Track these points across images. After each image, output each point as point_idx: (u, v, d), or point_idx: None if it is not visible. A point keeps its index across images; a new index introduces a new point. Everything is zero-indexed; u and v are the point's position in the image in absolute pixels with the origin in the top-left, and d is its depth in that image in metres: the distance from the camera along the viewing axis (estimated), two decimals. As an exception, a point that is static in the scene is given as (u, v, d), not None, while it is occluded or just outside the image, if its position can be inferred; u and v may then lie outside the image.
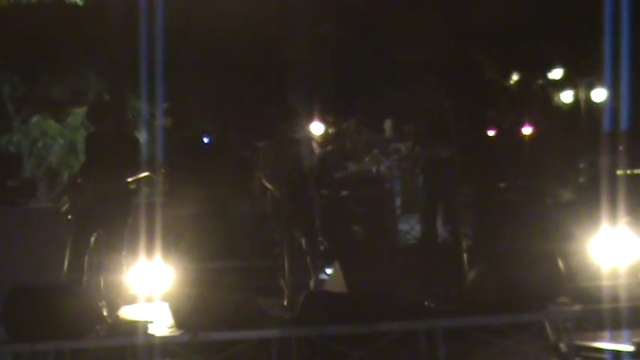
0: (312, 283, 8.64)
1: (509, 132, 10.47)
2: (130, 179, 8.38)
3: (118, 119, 9.47)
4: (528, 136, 10.88)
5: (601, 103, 15.18)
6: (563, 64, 17.00)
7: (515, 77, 16.45)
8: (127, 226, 8.33)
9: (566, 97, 17.45)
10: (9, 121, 14.65)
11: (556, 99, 17.36)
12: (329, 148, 11.41)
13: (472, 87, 9.69)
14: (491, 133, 10.67)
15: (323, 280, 8.82)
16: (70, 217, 8.54)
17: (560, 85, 17.45)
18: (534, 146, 10.82)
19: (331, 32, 13.94)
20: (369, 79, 13.97)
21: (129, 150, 8.55)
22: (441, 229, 9.19)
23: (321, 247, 9.51)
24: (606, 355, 6.84)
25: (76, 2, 12.45)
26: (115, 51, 12.56)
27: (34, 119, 14.63)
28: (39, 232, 10.56)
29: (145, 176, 8.86)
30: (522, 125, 11.11)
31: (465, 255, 8.21)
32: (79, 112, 14.24)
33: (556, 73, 17.32)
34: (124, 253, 8.34)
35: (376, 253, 8.67)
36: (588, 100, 16.59)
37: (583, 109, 16.50)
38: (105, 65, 13.24)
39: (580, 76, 16.71)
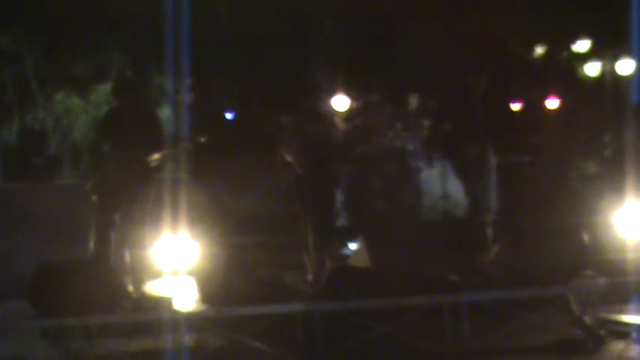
0: (334, 259, 8.68)
1: (534, 105, 10.38)
2: (152, 156, 8.44)
3: (141, 96, 9.54)
4: (553, 109, 10.81)
5: (627, 75, 15.01)
6: (588, 36, 16.83)
7: (539, 50, 16.29)
8: (149, 202, 8.39)
9: (592, 69, 17.27)
10: (33, 98, 14.70)
11: (580, 71, 17.20)
12: (352, 123, 11.38)
13: (496, 59, 9.60)
14: (516, 106, 10.59)
15: (347, 255, 8.85)
16: (94, 195, 8.59)
17: (585, 57, 17.27)
18: (559, 119, 10.77)
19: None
20: (393, 52, 13.89)
21: (150, 126, 8.61)
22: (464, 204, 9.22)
23: (345, 223, 9.55)
24: (632, 328, 6.82)
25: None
26: (139, 27, 12.57)
27: (58, 96, 14.67)
28: (64, 208, 10.63)
29: (167, 152, 8.92)
30: (547, 98, 11.03)
31: (489, 229, 8.21)
32: (103, 89, 14.28)
33: (582, 45, 17.13)
34: (147, 228, 8.41)
35: (400, 229, 8.67)
36: (613, 72, 16.42)
37: (608, 81, 16.34)
38: (128, 41, 13.24)
39: (606, 48, 16.53)
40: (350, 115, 11.48)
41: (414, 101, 12.86)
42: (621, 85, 14.54)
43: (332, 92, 11.53)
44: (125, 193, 8.34)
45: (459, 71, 10.29)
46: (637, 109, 10.70)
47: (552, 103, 10.92)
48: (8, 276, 8.48)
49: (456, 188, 10.19)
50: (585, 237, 7.51)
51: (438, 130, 9.63)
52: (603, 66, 16.90)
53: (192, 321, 7.17)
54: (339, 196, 9.87)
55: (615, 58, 16.09)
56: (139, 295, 7.84)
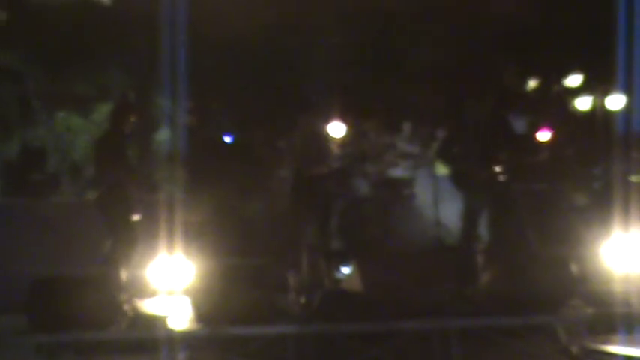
0: (328, 282, 8.69)
1: (527, 137, 10.44)
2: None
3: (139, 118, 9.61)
4: (545, 141, 10.87)
5: (616, 109, 15.08)
6: (580, 70, 16.92)
7: (533, 83, 16.37)
8: (146, 221, 8.43)
9: (583, 103, 17.36)
10: (34, 116, 14.73)
11: (572, 105, 17.28)
12: (347, 149, 11.41)
13: (491, 92, 9.65)
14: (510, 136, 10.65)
15: (339, 279, 8.87)
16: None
17: (576, 91, 17.35)
18: (550, 151, 10.83)
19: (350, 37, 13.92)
20: (389, 81, 13.93)
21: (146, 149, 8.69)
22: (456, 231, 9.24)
23: (338, 247, 9.57)
24: (617, 358, 6.83)
25: (102, 2, 12.52)
26: (140, 49, 12.62)
27: (59, 115, 14.69)
28: (61, 225, 10.64)
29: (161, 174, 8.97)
30: (539, 130, 11.09)
31: (480, 257, 8.23)
32: (104, 109, 14.32)
33: (574, 80, 17.24)
34: (143, 247, 8.43)
35: (392, 254, 8.71)
36: (603, 106, 16.49)
37: (599, 115, 16.41)
38: (130, 63, 13.29)
39: (597, 83, 16.61)
40: (345, 141, 11.49)
41: (407, 129, 12.89)
42: (610, 119, 14.60)
43: (329, 117, 11.54)
44: (120, 213, 8.37)
45: (456, 103, 10.35)
46: (625, 142, 10.76)
47: (544, 135, 10.97)
48: (4, 290, 8.46)
49: (448, 215, 10.20)
50: (573, 267, 7.55)
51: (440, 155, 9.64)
52: (595, 100, 16.97)
53: (186, 339, 7.19)
54: (334, 221, 9.88)
55: (605, 92, 16.15)
56: (134, 313, 7.84)
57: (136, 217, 8.53)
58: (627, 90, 12.65)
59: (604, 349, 7.01)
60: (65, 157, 14.65)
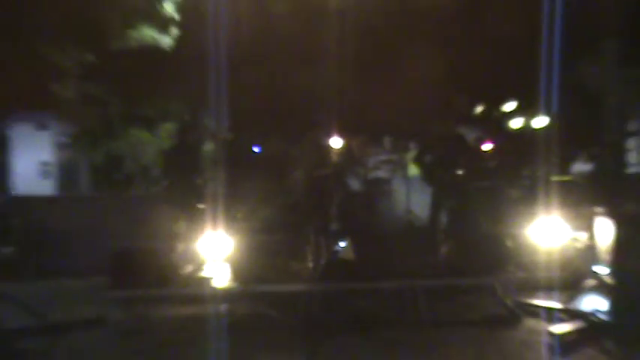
0: (329, 253, 8.68)
1: (476, 148, 10.40)
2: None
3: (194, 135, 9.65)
4: (489, 150, 10.82)
5: (540, 127, 15.03)
6: (514, 99, 16.89)
7: (479, 108, 16.33)
8: (199, 209, 8.45)
9: (516, 122, 17.33)
10: (115, 131, 14.72)
11: (508, 124, 17.24)
12: (344, 156, 11.40)
13: (450, 115, 9.66)
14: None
15: (337, 251, 8.86)
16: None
17: (511, 114, 17.31)
18: (492, 158, 10.78)
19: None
20: (372, 107, 13.91)
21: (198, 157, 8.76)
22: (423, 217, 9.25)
23: (337, 228, 9.54)
24: (540, 310, 6.82)
25: (165, 47, 12.52)
26: (192, 82, 12.60)
27: (133, 131, 14.69)
28: (134, 211, 10.66)
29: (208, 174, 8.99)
30: (485, 142, 11.05)
31: (440, 235, 8.22)
32: (166, 127, 14.32)
33: (509, 105, 17.21)
34: (196, 227, 8.45)
35: (377, 233, 8.71)
36: (530, 125, 16.43)
37: (528, 132, 16.36)
38: (185, 93, 13.28)
39: (526, 108, 16.57)
40: (341, 151, 11.49)
41: (387, 142, 12.86)
42: (537, 135, 14.52)
43: (329, 134, 11.54)
44: (181, 202, 8.41)
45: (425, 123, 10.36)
46: (547, 152, 10.69)
47: (488, 146, 10.93)
48: (95, 259, 8.49)
49: (417, 205, 10.19)
50: (509, 243, 7.55)
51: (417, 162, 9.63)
52: (525, 121, 16.93)
53: (226, 295, 7.21)
54: (333, 209, 9.85)
55: (533, 115, 16.08)
56: (188, 275, 7.85)
57: (195, 205, 8.57)
58: (548, 113, 12.63)
59: (530, 302, 7.03)
60: (137, 162, 14.64)
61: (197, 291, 7.26)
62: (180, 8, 12.52)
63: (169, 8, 12.24)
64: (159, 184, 12.96)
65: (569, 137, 11.77)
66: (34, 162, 15.00)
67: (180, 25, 12.59)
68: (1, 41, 9.55)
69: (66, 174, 15.39)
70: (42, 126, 15.32)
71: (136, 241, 8.26)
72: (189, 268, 8.18)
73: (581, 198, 9.04)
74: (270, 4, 12.18)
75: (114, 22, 12.11)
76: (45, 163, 15.27)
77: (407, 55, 13.61)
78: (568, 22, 8.78)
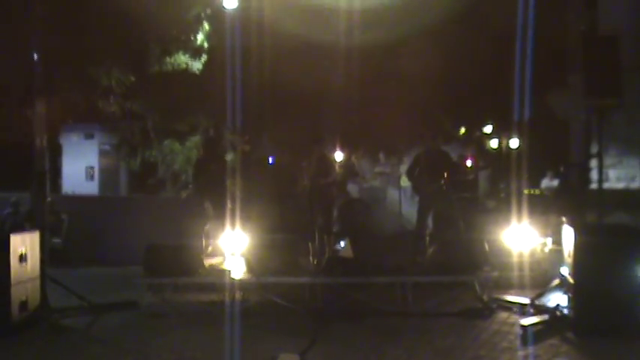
0: (331, 251, 8.66)
1: (459, 164, 10.36)
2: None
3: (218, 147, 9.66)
4: (470, 167, 10.78)
5: (514, 147, 15.02)
6: (491, 123, 16.90)
7: (462, 130, 16.34)
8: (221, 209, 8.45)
9: (494, 143, 17.34)
10: (150, 142, 14.71)
11: (487, 144, 17.24)
12: (344, 168, 11.38)
13: (437, 135, 9.63)
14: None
15: (338, 250, 8.84)
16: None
17: (489, 135, 17.32)
18: (473, 173, 10.74)
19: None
20: (369, 128, 13.90)
21: (221, 166, 8.77)
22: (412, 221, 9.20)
23: (338, 229, 9.52)
24: (513, 305, 6.77)
25: (195, 71, 12.54)
26: (216, 101, 12.60)
27: (166, 142, 14.68)
28: (166, 212, 10.67)
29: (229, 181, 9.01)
30: (467, 159, 11.02)
31: (427, 238, 8.18)
32: (194, 140, 14.30)
33: (487, 128, 17.21)
34: (217, 225, 8.43)
35: (372, 235, 8.67)
36: (507, 145, 16.43)
37: (504, 151, 16.37)
38: (210, 109, 13.28)
39: (501, 131, 16.57)
40: (343, 163, 11.47)
41: (382, 157, 12.84)
42: (511, 154, 14.50)
43: (333, 149, 11.52)
44: (210, 204, 8.41)
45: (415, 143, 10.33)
46: (519, 169, 10.67)
47: (469, 163, 10.90)
48: (130, 251, 8.48)
49: (407, 211, 10.17)
50: (486, 246, 7.50)
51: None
52: (501, 142, 16.93)
53: (241, 284, 7.17)
54: (335, 213, 9.83)
55: (509, 137, 16.07)
56: (209, 267, 7.83)
57: (219, 206, 8.55)
58: (520, 136, 12.62)
59: (504, 298, 6.99)
60: (169, 168, 14.64)
61: (217, 280, 7.22)
62: (208, 37, 12.55)
63: (201, 38, 12.27)
64: (187, 189, 12.95)
65: (539, 157, 11.76)
66: (82, 166, 15.06)
67: (208, 52, 12.62)
68: (58, 64, 9.57)
69: (108, 177, 15.43)
70: (89, 136, 15.38)
71: (165, 236, 8.25)
72: (210, 261, 8.15)
73: (549, 209, 9.03)
74: (284, 39, 12.16)
75: (154, 50, 12.15)
76: (90, 168, 15.32)
77: (401, 84, 13.65)
78: (540, 59, 8.79)
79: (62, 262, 9.72)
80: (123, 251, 9.65)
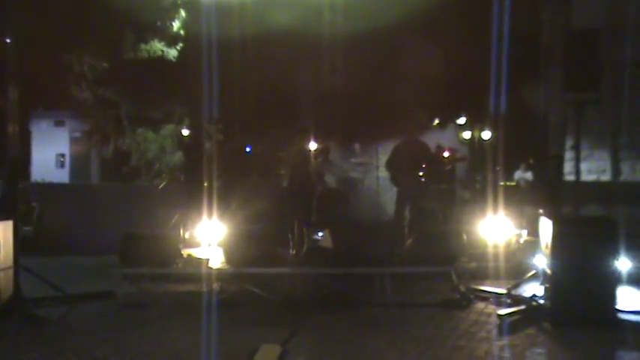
0: (309, 241, 8.63)
1: (436, 155, 10.41)
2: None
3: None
4: (446, 157, 10.84)
5: (486, 139, 15.13)
6: (465, 115, 17.00)
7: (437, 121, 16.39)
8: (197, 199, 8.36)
9: (467, 135, 17.46)
10: (123, 130, 14.52)
11: (461, 136, 17.33)
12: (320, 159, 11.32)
13: (414, 128, 9.64)
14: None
15: (317, 240, 8.81)
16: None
17: (463, 127, 17.41)
18: (450, 164, 10.80)
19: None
20: (348, 118, 13.87)
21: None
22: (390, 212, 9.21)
23: (317, 219, 9.49)
24: (489, 295, 6.85)
25: (171, 59, 12.38)
26: (192, 89, 12.47)
27: (139, 130, 14.51)
28: (141, 200, 10.54)
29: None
30: (443, 152, 11.08)
31: (405, 229, 8.21)
32: (168, 127, 14.14)
33: (461, 120, 17.31)
34: (194, 214, 8.34)
35: (350, 225, 8.67)
36: (480, 137, 16.54)
37: (477, 143, 16.48)
38: (185, 98, 13.15)
39: (475, 123, 16.68)
40: (321, 153, 11.41)
41: (357, 148, 12.84)
42: (485, 145, 14.59)
43: (311, 140, 11.47)
44: (185, 193, 8.30)
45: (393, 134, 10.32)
46: (494, 161, 10.74)
47: (446, 154, 10.96)
48: (105, 241, 8.36)
49: (385, 202, 10.19)
50: (463, 237, 7.56)
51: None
52: (474, 133, 17.03)
53: (219, 275, 7.13)
54: (314, 203, 9.79)
55: (481, 129, 16.17)
56: (187, 257, 7.75)
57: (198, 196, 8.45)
58: (494, 128, 12.72)
59: (479, 288, 7.05)
60: (142, 157, 14.47)
61: (194, 271, 7.15)
62: (184, 24, 12.39)
63: (177, 25, 12.09)
64: (161, 177, 12.82)
65: (512, 150, 11.87)
66: (52, 154, 14.79)
67: (184, 39, 12.46)
68: (29, 48, 9.33)
69: (79, 165, 15.20)
70: (59, 123, 15.11)
71: (140, 226, 8.15)
72: (188, 251, 8.07)
73: (524, 201, 9.15)
74: (261, 27, 12.03)
75: (129, 36, 11.95)
76: (61, 155, 15.07)
77: (379, 78, 13.63)
78: (519, 53, 8.84)
79: (33, 251, 9.51)
80: (96, 240, 9.52)
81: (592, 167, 9.26)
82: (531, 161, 12.02)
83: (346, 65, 13.51)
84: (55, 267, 8.56)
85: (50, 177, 14.25)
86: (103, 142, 13.74)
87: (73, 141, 15.21)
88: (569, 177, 7.97)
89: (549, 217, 5.98)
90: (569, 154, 8.32)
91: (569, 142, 7.55)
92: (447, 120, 16.25)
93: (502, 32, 9.38)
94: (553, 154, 6.44)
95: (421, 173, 8.88)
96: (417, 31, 12.62)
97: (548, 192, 6.56)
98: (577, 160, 6.66)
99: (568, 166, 8.25)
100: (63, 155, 15.17)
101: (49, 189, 12.31)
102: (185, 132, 13.52)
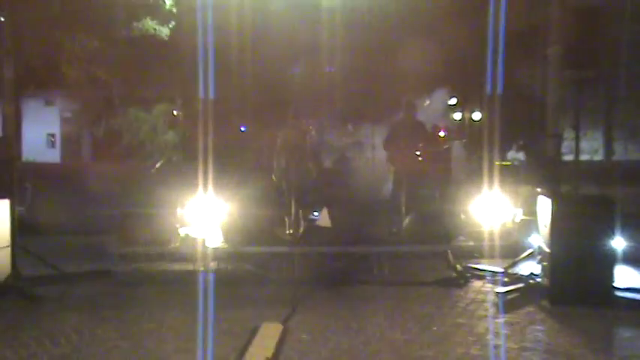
0: (306, 221, 8.61)
1: (432, 134, 10.42)
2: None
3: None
4: (443, 137, 10.85)
5: (477, 120, 15.17)
6: (457, 96, 17.03)
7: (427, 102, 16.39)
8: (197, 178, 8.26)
9: (457, 115, 17.52)
10: (115, 110, 14.40)
11: (451, 116, 17.39)
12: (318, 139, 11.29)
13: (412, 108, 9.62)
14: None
15: (313, 220, 8.80)
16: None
17: (454, 107, 17.45)
18: (445, 143, 10.82)
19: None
20: (344, 99, 13.84)
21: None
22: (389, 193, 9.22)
23: (313, 199, 9.47)
24: (485, 273, 6.91)
25: (163, 37, 12.24)
26: (185, 68, 12.33)
27: (131, 110, 14.39)
28: (133, 179, 10.46)
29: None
30: (440, 130, 11.08)
31: (402, 208, 8.22)
32: (159, 107, 14.03)
33: (452, 101, 17.34)
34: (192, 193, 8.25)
35: (346, 205, 8.66)
36: (470, 118, 16.60)
37: (467, 123, 16.55)
38: (178, 77, 13.01)
39: (466, 104, 16.72)
40: (317, 134, 11.37)
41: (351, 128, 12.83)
42: (477, 126, 14.62)
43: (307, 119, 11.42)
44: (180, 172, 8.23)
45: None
46: (489, 140, 10.73)
47: (442, 133, 10.97)
48: (102, 220, 8.31)
49: (382, 182, 10.18)
50: (460, 216, 7.58)
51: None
52: (464, 114, 17.08)
53: (217, 254, 7.12)
54: (310, 183, 9.77)
55: (472, 110, 16.22)
56: (184, 236, 7.70)
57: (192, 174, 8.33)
58: (482, 109, 12.73)
59: (476, 266, 7.11)
60: (134, 136, 14.36)
61: (191, 250, 7.12)
62: (177, 1, 12.23)
63: (170, 3, 11.95)
64: (153, 158, 12.74)
65: (506, 129, 11.89)
66: (42, 134, 14.67)
67: (176, 17, 12.31)
68: (20, 27, 9.18)
69: (69, 145, 15.09)
70: (50, 102, 14.96)
71: (136, 206, 8.10)
72: (185, 230, 8.03)
73: (521, 179, 9.17)
74: (256, 5, 11.91)
75: (121, 14, 11.79)
76: (51, 135, 14.94)
77: (373, 59, 13.57)
78: (518, 32, 8.81)
79: (27, 231, 9.44)
80: (85, 220, 9.46)
81: (585, 147, 9.30)
82: (521, 142, 12.05)
83: (342, 43, 13.45)
84: (51, 247, 8.47)
85: (41, 157, 14.16)
86: (94, 121, 13.59)
87: (64, 121, 15.08)
88: (566, 157, 7.99)
89: (550, 196, 6.00)
90: (565, 134, 8.33)
91: (567, 121, 7.54)
92: (439, 100, 16.27)
93: (499, 11, 9.34)
94: (550, 134, 6.43)
95: (418, 152, 8.88)
96: (412, 9, 12.54)
97: (547, 171, 6.55)
98: (577, 139, 6.66)
99: (563, 146, 8.27)
100: (53, 135, 15.04)
101: (39, 168, 12.21)
102: (176, 112, 13.44)
